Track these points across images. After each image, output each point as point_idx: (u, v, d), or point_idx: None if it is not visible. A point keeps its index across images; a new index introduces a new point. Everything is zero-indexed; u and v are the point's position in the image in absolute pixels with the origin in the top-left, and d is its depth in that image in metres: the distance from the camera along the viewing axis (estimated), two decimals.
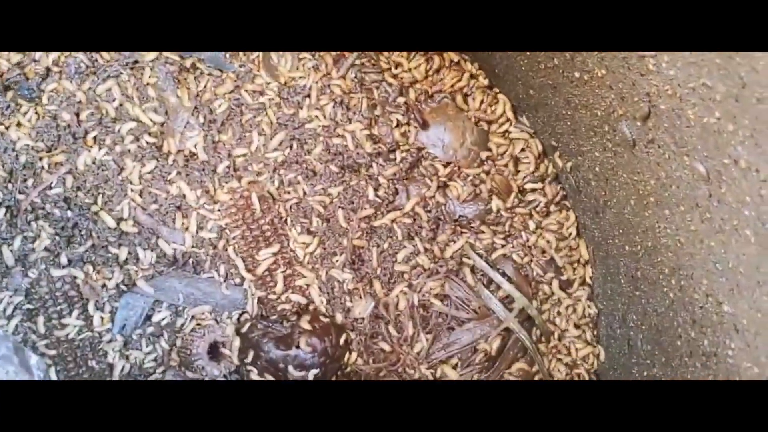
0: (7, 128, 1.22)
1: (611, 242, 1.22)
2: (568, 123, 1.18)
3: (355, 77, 1.35)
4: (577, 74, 1.03)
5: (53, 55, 1.25)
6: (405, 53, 1.37)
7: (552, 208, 1.37)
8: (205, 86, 1.29)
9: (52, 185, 1.22)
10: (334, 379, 1.25)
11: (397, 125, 1.34)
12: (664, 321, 1.05)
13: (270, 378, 1.21)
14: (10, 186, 1.21)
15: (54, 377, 1.18)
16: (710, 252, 0.89)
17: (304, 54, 1.33)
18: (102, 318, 1.22)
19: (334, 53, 1.34)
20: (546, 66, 1.11)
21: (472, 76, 1.38)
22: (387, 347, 1.28)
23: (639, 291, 1.14)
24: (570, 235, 1.36)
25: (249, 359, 1.21)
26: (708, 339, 0.93)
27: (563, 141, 1.26)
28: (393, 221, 1.32)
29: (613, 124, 1.03)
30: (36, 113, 1.23)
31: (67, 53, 1.25)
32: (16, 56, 1.24)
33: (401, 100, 1.36)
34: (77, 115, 1.24)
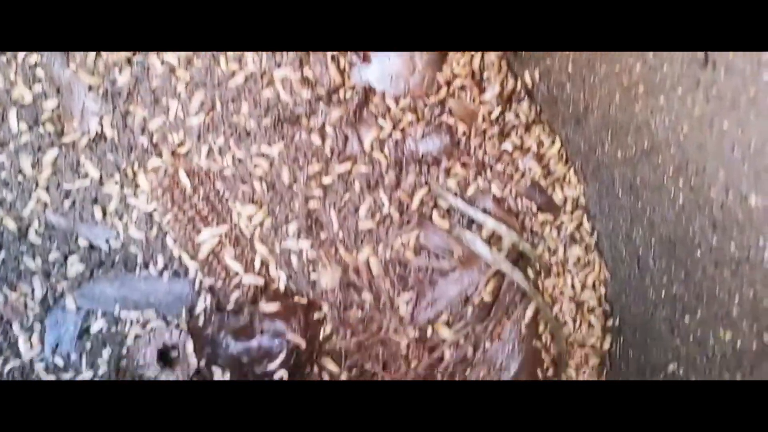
0: None
1: (600, 151, 1.04)
2: None
3: None
4: None
5: None
6: None
7: (527, 125, 1.19)
8: (101, 53, 1.09)
9: None
10: (309, 364, 1.09)
11: (333, 60, 1.15)
12: (676, 230, 0.88)
13: (233, 376, 1.04)
14: None
15: None
16: (724, 135, 0.71)
17: None
18: (31, 343, 1.04)
19: None
20: None
21: None
22: (365, 316, 1.12)
23: (641, 201, 0.97)
24: (552, 152, 1.18)
25: (206, 358, 1.04)
26: (735, 242, 0.76)
27: None
28: (348, 173, 1.14)
29: None
30: None
31: None
32: None
33: None
34: None
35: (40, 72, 1.08)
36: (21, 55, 1.07)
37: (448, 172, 1.16)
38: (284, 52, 1.12)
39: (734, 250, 0.76)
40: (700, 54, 0.69)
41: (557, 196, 1.17)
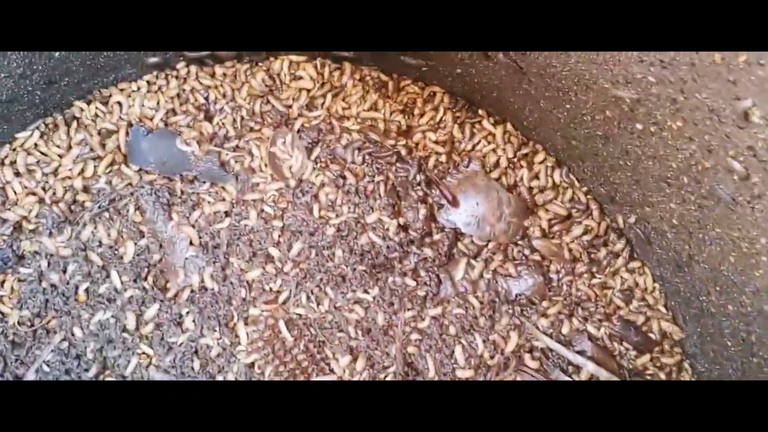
0: None
1: (705, 299, 1.03)
2: (628, 173, 1.01)
3: (367, 159, 1.18)
4: (639, 126, 0.86)
5: (21, 210, 1.08)
6: (425, 117, 1.21)
7: (618, 263, 1.18)
8: (201, 208, 1.12)
9: (48, 361, 1.05)
10: None
11: (423, 203, 1.17)
12: None
13: None
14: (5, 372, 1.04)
15: None
16: None
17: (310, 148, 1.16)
18: None
19: (340, 143, 1.17)
20: (594, 118, 0.93)
21: (504, 131, 1.20)
22: None
23: (757, 357, 0.95)
24: (646, 292, 1.17)
25: None
26: None
27: (622, 191, 1.07)
28: (442, 316, 1.14)
29: (695, 176, 0.85)
30: (17, 280, 1.07)
31: (38, 208, 1.09)
32: None
33: (422, 177, 1.18)
34: (63, 272, 1.07)
35: (143, 227, 1.11)
36: (131, 212, 1.10)
37: (542, 313, 1.15)
38: (376, 199, 1.15)
39: None
40: None
41: (654, 333, 1.15)
